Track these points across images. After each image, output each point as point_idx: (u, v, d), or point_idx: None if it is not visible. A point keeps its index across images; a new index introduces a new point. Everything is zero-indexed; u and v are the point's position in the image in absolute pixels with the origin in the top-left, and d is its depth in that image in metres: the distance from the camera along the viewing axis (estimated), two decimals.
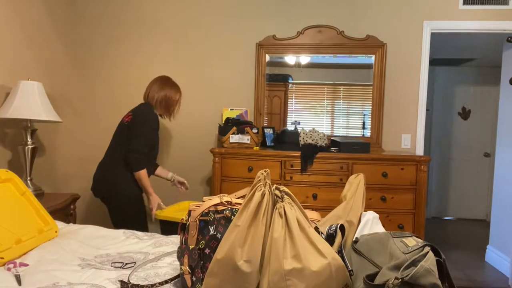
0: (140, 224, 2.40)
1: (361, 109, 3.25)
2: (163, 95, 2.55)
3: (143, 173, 2.38)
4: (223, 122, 3.08)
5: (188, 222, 1.27)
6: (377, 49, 3.17)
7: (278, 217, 1.09)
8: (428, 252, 0.97)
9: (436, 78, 5.43)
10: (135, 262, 1.55)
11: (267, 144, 3.05)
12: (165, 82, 2.62)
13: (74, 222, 2.56)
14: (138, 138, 2.37)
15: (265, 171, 1.14)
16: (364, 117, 3.24)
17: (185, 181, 2.78)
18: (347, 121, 3.28)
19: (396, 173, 2.71)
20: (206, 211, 1.25)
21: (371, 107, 3.20)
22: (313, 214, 1.45)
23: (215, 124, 3.27)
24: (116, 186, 2.42)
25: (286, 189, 1.15)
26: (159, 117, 2.57)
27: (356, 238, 1.24)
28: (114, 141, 2.53)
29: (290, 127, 3.29)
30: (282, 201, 1.12)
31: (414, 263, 0.94)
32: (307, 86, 3.31)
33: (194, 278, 1.22)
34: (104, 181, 2.47)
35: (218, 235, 1.21)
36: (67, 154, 3.29)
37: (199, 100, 3.37)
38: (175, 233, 2.14)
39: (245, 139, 2.92)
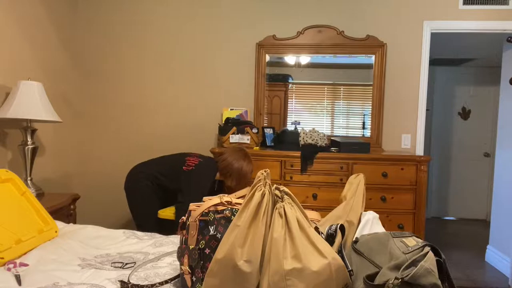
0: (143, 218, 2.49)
1: (361, 109, 3.25)
2: (239, 166, 2.51)
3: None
4: (223, 122, 3.08)
5: (188, 222, 1.27)
6: (377, 49, 3.17)
7: (278, 217, 1.09)
8: (428, 252, 0.97)
9: (436, 78, 5.43)
10: (135, 262, 1.55)
11: (267, 144, 3.05)
12: (246, 156, 2.58)
13: (74, 222, 2.56)
14: (191, 194, 2.39)
15: (265, 171, 1.14)
16: (364, 117, 3.24)
17: None
18: (347, 121, 3.28)
19: (396, 173, 2.71)
20: (206, 211, 1.25)
21: (371, 107, 3.20)
22: (313, 214, 1.45)
23: (215, 124, 3.27)
24: (129, 183, 2.55)
25: (286, 189, 1.15)
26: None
27: (356, 238, 1.24)
28: (162, 164, 2.55)
29: (290, 127, 3.28)
30: (282, 201, 1.12)
31: (414, 263, 0.94)
32: (307, 86, 3.31)
33: (194, 278, 1.22)
34: (128, 178, 2.59)
35: (218, 235, 1.21)
36: (67, 154, 3.29)
37: (199, 100, 3.37)
38: (175, 233, 2.15)
39: (245, 139, 2.92)
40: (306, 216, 1.14)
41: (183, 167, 2.47)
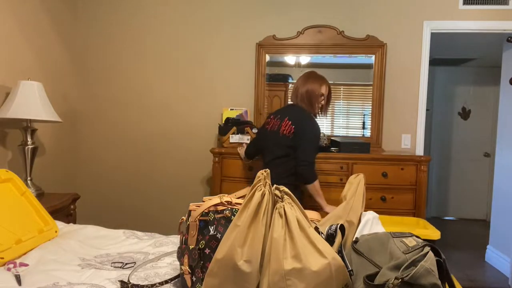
0: None
1: (361, 109, 3.25)
2: (305, 90, 2.40)
3: (318, 185, 2.31)
4: (223, 122, 3.08)
5: (188, 222, 1.27)
6: (377, 49, 3.17)
7: (278, 217, 1.09)
8: (428, 252, 0.97)
9: (436, 78, 5.43)
10: (135, 262, 1.55)
11: None
12: (307, 76, 2.46)
13: (74, 222, 2.56)
14: (306, 148, 2.29)
15: (265, 171, 1.14)
16: (364, 117, 3.24)
17: None
18: (347, 121, 3.28)
19: (396, 173, 2.71)
20: (206, 211, 1.25)
21: (371, 107, 3.20)
22: (313, 214, 1.45)
23: (215, 124, 3.27)
24: None
25: (286, 189, 1.15)
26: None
27: (356, 238, 1.23)
28: (276, 154, 2.37)
29: None
30: (282, 201, 1.12)
31: (414, 263, 0.94)
32: None
33: (194, 278, 1.22)
34: None
35: (218, 235, 1.21)
36: (67, 154, 3.29)
37: (199, 100, 3.37)
38: (175, 232, 2.14)
39: (245, 139, 2.92)
40: (306, 216, 1.14)
41: (286, 136, 2.32)
